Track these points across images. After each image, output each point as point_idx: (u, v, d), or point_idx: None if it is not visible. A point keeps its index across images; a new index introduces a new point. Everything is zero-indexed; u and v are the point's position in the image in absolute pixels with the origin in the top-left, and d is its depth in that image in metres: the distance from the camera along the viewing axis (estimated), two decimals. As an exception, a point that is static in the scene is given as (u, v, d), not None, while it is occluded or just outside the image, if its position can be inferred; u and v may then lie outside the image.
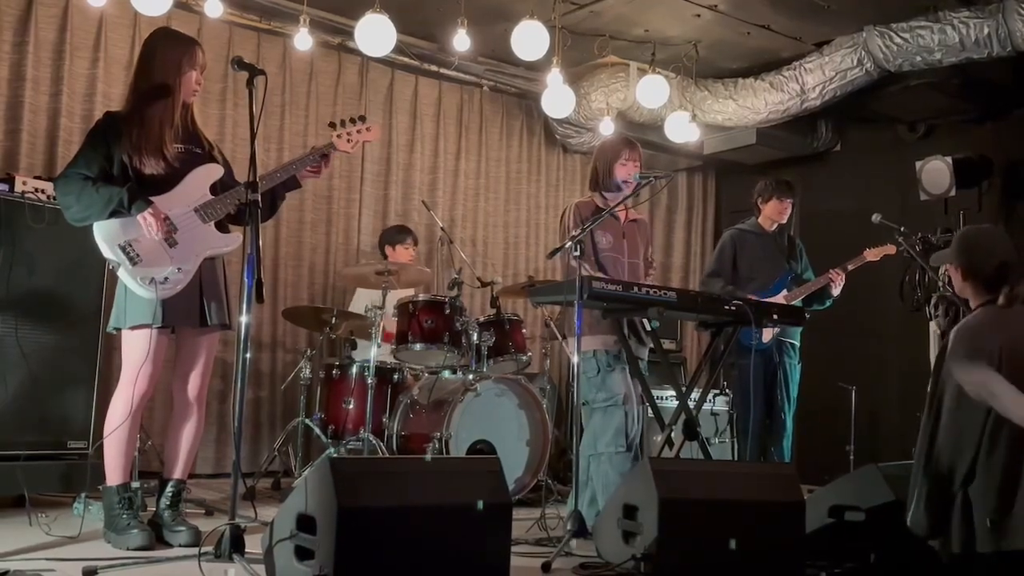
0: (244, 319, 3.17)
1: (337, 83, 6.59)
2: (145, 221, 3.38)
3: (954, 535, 2.97)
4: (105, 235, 3.42)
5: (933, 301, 5.54)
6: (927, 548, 3.14)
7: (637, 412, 4.23)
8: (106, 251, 3.43)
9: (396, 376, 5.37)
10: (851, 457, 6.01)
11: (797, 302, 5.16)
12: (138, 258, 3.41)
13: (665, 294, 3.99)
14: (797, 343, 5.24)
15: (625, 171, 4.37)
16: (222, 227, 3.63)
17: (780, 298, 5.10)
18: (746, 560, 3.17)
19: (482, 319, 5.38)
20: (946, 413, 3.07)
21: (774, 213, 5.33)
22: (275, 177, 3.60)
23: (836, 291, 5.24)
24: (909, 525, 3.09)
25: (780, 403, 5.14)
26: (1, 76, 5.30)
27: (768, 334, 5.04)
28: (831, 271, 5.21)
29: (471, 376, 5.07)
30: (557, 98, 6.11)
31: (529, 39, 5.42)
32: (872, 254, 5.32)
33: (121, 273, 3.43)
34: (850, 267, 5.25)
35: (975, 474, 2.98)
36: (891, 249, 5.32)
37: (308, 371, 5.36)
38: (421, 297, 5.31)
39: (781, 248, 5.37)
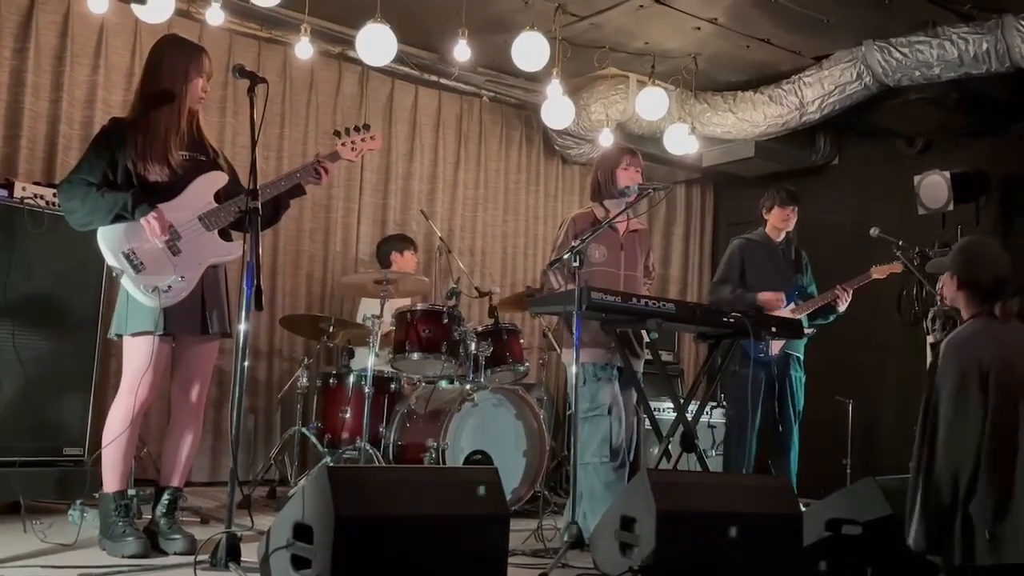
0: (243, 327, 3.16)
1: (337, 92, 6.59)
2: (148, 224, 3.36)
3: (956, 549, 2.96)
4: (109, 242, 3.41)
5: (931, 315, 5.55)
6: (925, 563, 3.13)
7: (628, 423, 4.22)
8: (110, 258, 3.42)
9: (393, 385, 5.36)
10: (848, 471, 6.01)
11: (802, 316, 5.16)
12: (142, 266, 3.40)
13: (663, 306, 3.99)
14: (802, 356, 5.24)
15: (627, 176, 4.38)
16: (225, 235, 3.61)
17: (788, 311, 5.10)
18: (743, 573, 3.17)
19: (480, 329, 5.37)
20: (942, 427, 3.07)
21: (778, 221, 5.36)
22: (279, 185, 3.60)
23: (842, 307, 5.23)
24: (910, 543, 3.07)
25: (788, 415, 5.13)
26: (1, 81, 5.30)
27: (776, 346, 5.04)
28: (838, 287, 5.20)
29: (468, 386, 5.07)
30: (557, 109, 6.11)
31: (529, 50, 5.44)
32: (879, 272, 5.30)
33: (124, 281, 3.42)
34: (856, 285, 5.24)
35: (976, 489, 2.98)
36: (897, 268, 5.30)
37: (305, 379, 5.35)
38: (419, 306, 5.31)
39: (789, 261, 5.38)
